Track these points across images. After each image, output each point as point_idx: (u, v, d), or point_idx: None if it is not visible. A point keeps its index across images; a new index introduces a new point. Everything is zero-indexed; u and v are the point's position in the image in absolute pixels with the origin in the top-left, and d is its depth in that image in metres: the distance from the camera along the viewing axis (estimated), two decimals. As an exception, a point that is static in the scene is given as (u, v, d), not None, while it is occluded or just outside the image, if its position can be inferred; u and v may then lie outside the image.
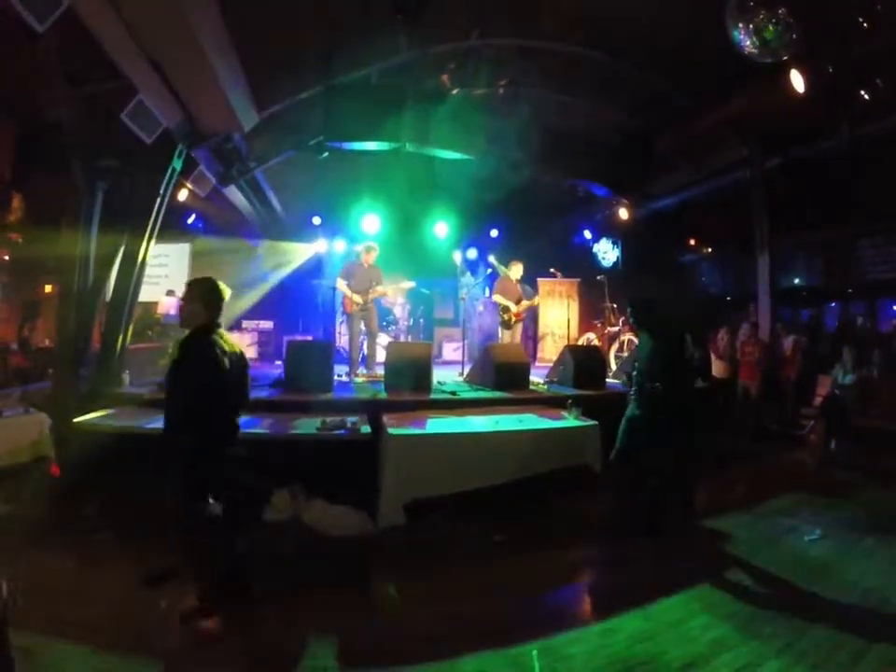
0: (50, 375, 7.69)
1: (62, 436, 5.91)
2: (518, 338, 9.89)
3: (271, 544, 4.76)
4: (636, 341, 11.05)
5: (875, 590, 3.98)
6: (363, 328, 9.20)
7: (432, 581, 4.17)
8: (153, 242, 7.46)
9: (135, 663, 3.05)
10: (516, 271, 9.89)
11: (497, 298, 9.74)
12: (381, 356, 8.85)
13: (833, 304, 13.43)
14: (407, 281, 9.89)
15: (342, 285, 8.95)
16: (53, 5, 4.51)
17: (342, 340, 12.25)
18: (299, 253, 14.43)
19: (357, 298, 8.81)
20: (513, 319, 9.64)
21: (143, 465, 5.09)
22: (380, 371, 8.25)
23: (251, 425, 5.59)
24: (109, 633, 3.26)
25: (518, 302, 9.66)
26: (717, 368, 10.09)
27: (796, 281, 13.36)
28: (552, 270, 11.64)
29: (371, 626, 3.58)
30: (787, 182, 9.83)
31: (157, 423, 5.43)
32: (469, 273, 13.83)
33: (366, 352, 9.45)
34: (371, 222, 12.94)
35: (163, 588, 3.88)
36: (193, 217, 13.33)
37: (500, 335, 9.88)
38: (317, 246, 14.02)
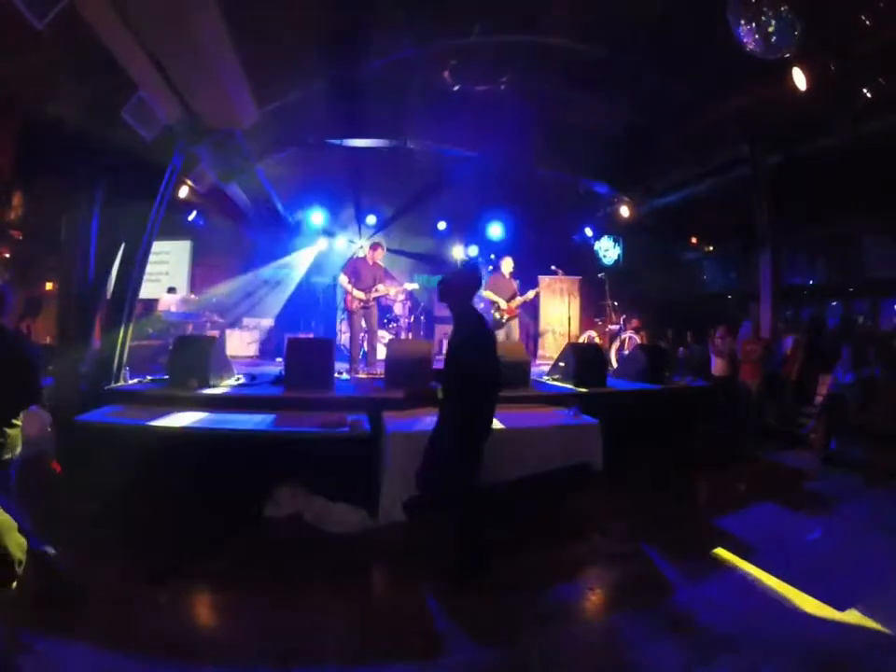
0: (51, 372, 7.69)
1: (63, 433, 5.91)
2: (516, 335, 9.83)
3: (271, 541, 4.77)
4: (637, 339, 11.11)
5: (877, 588, 3.97)
6: (364, 325, 9.19)
7: (432, 578, 4.17)
8: (154, 239, 7.47)
9: (139, 659, 3.05)
10: (507, 266, 9.77)
11: (488, 294, 9.60)
12: (381, 353, 8.84)
13: (836, 303, 13.41)
14: (410, 282, 9.82)
15: (344, 281, 8.94)
16: (52, 1, 4.51)
17: (342, 337, 12.26)
18: (302, 259, 14.46)
19: (360, 295, 8.81)
20: (505, 316, 9.55)
21: (143, 461, 5.12)
22: (380, 369, 8.26)
23: (252, 423, 5.60)
24: (112, 630, 3.26)
25: (510, 299, 9.59)
26: (717, 366, 10.09)
27: (798, 279, 13.35)
28: (553, 267, 11.65)
29: (371, 622, 3.57)
30: (789, 179, 9.81)
31: (157, 419, 5.49)
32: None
33: (366, 349, 9.44)
34: (371, 219, 12.95)
35: (166, 584, 3.88)
36: (194, 213, 13.31)
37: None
38: (319, 246, 14.06)
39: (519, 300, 9.69)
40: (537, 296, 11.65)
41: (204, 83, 6.50)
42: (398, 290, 9.66)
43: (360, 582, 4.25)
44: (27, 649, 3.04)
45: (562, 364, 8.42)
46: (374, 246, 9.21)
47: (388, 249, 11.94)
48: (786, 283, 11.63)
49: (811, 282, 13.27)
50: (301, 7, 6.53)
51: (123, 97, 6.13)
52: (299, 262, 14.54)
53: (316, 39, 7.31)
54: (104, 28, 5.30)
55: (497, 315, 9.55)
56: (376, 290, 8.91)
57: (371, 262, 9.08)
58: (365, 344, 9.52)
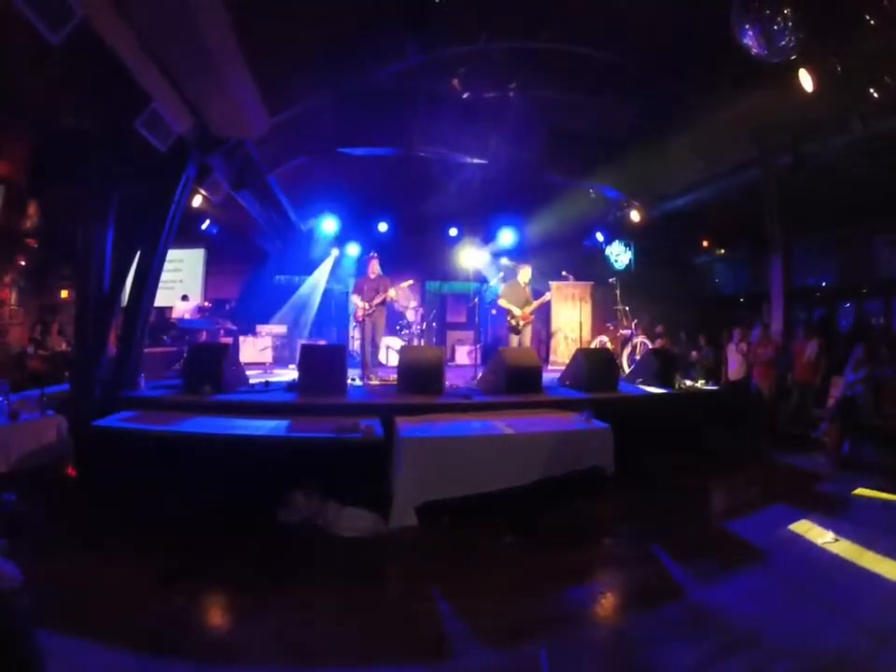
0: (67, 378, 7.79)
1: (79, 438, 6.00)
2: (528, 341, 9.87)
3: (285, 544, 4.81)
4: (649, 344, 11.11)
5: (890, 591, 3.95)
6: (372, 333, 9.37)
7: (443, 581, 4.19)
8: (168, 247, 7.56)
9: (151, 659, 3.09)
10: (524, 275, 9.91)
11: (502, 302, 9.74)
12: (393, 359, 8.96)
13: (848, 304, 13.30)
14: (406, 281, 10.03)
15: (356, 299, 9.37)
16: (67, 16, 4.59)
17: (354, 344, 12.38)
18: (321, 273, 14.56)
19: (363, 305, 9.17)
20: (521, 323, 9.64)
21: (158, 466, 5.19)
22: (392, 375, 8.32)
23: (266, 428, 5.66)
24: (127, 630, 3.31)
25: (524, 306, 9.66)
26: (734, 369, 10.06)
27: (810, 280, 13.27)
28: (564, 273, 11.64)
29: (383, 624, 3.60)
30: (799, 180, 9.77)
31: (172, 425, 5.56)
32: (482, 276, 13.91)
33: (364, 354, 9.55)
34: (382, 226, 13.03)
35: (180, 587, 3.93)
36: (207, 222, 13.44)
37: (509, 339, 9.88)
38: (332, 256, 14.20)
39: (534, 304, 9.75)
40: (548, 301, 11.66)
41: (216, 94, 6.59)
42: (397, 290, 9.79)
43: (372, 586, 4.27)
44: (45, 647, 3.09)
45: (573, 369, 8.43)
46: (370, 259, 9.56)
47: (398, 256, 12.15)
48: (797, 284, 11.57)
49: (823, 283, 13.18)
50: (310, 19, 6.60)
51: (137, 109, 6.22)
52: (319, 278, 14.65)
53: (326, 49, 7.38)
54: (116, 42, 5.39)
55: (513, 322, 9.63)
56: (378, 297, 9.11)
57: (372, 275, 9.43)
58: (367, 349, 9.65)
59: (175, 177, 7.34)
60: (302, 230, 14.46)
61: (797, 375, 9.21)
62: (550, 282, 12.34)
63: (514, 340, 9.73)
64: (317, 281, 14.57)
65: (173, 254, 9.29)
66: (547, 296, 10.19)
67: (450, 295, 15.31)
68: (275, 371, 10.82)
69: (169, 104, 6.51)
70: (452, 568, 4.44)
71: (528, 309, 9.68)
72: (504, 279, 10.91)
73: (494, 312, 13.59)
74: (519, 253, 13.78)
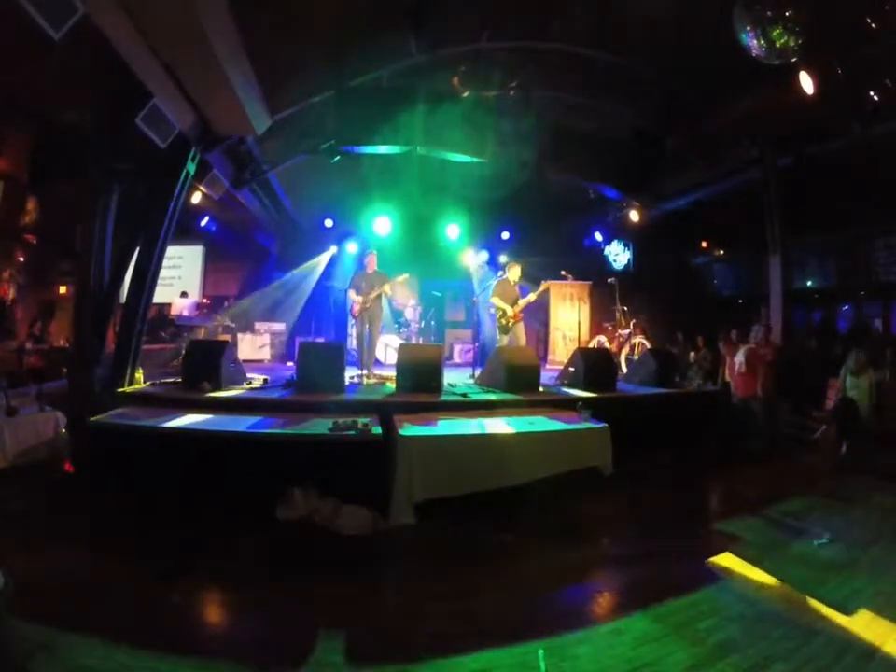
0: (66, 374, 7.79)
1: (77, 434, 5.99)
2: (523, 339, 9.82)
3: (283, 542, 4.81)
4: (647, 344, 11.10)
5: (884, 594, 3.95)
6: (370, 329, 9.34)
7: (441, 579, 4.19)
8: (167, 244, 7.55)
9: (151, 655, 3.09)
10: (514, 273, 9.84)
11: (496, 300, 9.66)
12: (392, 357, 8.94)
13: (847, 306, 13.30)
14: (401, 275, 9.94)
15: (352, 294, 9.32)
16: (68, 12, 4.59)
17: (353, 342, 12.36)
18: (317, 265, 14.51)
19: (359, 300, 9.15)
20: (511, 322, 9.58)
21: (156, 463, 5.19)
22: (390, 373, 8.32)
23: (264, 425, 5.66)
24: (125, 627, 3.30)
25: (514, 304, 9.61)
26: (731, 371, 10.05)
27: (809, 283, 13.28)
28: (563, 272, 11.62)
29: (380, 623, 3.61)
30: (799, 182, 9.78)
31: (170, 422, 5.56)
32: (481, 275, 13.90)
33: (362, 352, 9.51)
34: (382, 224, 13.00)
35: (178, 583, 3.93)
36: (206, 219, 13.43)
37: (498, 339, 9.80)
38: (330, 252, 14.17)
39: (522, 303, 9.68)
40: (547, 301, 11.66)
41: (217, 91, 6.58)
42: (392, 285, 9.73)
43: (370, 583, 4.27)
44: (42, 645, 3.09)
45: (571, 369, 8.44)
46: (368, 255, 9.64)
47: (398, 255, 12.17)
48: (796, 286, 11.59)
49: (822, 285, 13.19)
50: (313, 16, 6.59)
51: (137, 105, 6.21)
52: (311, 269, 14.62)
53: (329, 47, 7.38)
54: (118, 37, 5.38)
55: (503, 322, 9.59)
56: (373, 292, 9.13)
57: (369, 271, 9.45)
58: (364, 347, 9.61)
59: (174, 174, 7.34)
60: (302, 227, 14.45)
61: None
62: (551, 280, 12.29)
63: (504, 339, 9.64)
64: (308, 274, 14.53)
65: (172, 250, 9.26)
66: (531, 297, 10.04)
67: (449, 293, 15.29)
68: (273, 369, 10.82)
69: (170, 100, 6.51)
70: (450, 567, 4.45)
71: (518, 307, 9.64)
72: (499, 278, 10.87)
73: (492, 311, 13.59)
74: (518, 252, 13.75)
